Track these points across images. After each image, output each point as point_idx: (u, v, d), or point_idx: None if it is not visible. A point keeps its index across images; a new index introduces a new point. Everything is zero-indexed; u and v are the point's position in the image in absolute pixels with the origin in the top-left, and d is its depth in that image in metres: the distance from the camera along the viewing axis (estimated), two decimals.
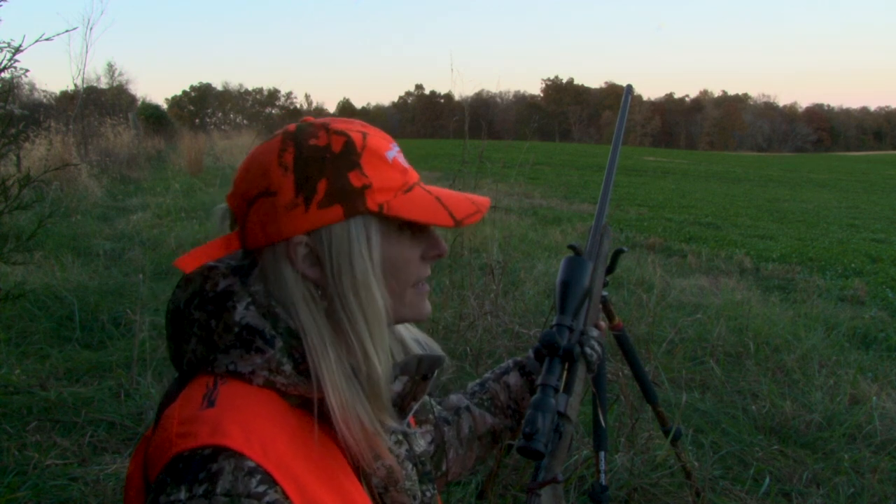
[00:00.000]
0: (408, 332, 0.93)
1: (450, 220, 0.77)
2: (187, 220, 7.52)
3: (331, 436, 0.76)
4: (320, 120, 0.80)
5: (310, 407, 0.75)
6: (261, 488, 0.64)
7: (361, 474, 0.79)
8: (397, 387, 0.80)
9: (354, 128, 0.80)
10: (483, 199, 0.85)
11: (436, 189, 0.83)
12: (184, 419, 0.69)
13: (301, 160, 0.75)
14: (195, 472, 0.64)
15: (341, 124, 0.79)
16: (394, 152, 0.80)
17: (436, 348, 0.92)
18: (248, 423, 0.68)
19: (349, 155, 0.76)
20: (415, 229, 0.80)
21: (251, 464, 0.65)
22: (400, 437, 0.84)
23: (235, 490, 0.63)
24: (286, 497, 0.65)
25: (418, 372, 0.81)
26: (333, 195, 0.75)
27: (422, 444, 0.89)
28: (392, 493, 0.81)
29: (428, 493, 0.88)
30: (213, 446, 0.65)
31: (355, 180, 0.75)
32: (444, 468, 1.09)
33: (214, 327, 0.74)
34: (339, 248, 0.75)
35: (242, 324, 0.73)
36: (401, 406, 0.83)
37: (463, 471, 1.14)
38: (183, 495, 0.63)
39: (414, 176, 0.82)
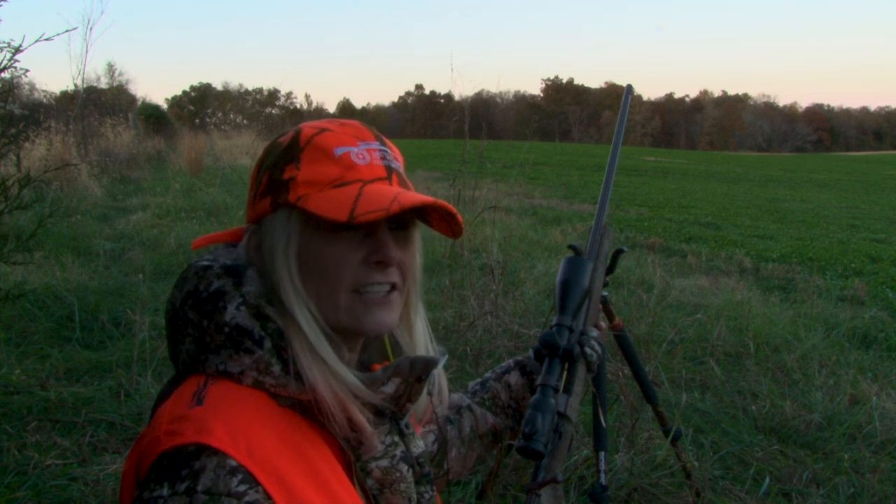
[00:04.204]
0: (421, 334, 0.92)
1: (342, 217, 0.72)
2: (187, 220, 7.52)
3: (322, 436, 0.76)
4: (325, 120, 0.83)
5: (300, 408, 0.75)
6: (241, 487, 0.65)
7: (355, 476, 0.79)
8: (389, 388, 0.80)
9: (321, 125, 0.81)
10: (432, 200, 0.77)
11: (391, 189, 0.77)
12: (173, 417, 0.70)
13: (264, 156, 0.81)
14: (178, 469, 0.65)
15: (315, 122, 0.82)
16: (356, 149, 0.79)
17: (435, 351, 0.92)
18: (234, 423, 0.68)
19: (292, 149, 0.79)
20: (359, 230, 0.77)
21: (233, 463, 0.65)
22: (396, 438, 0.84)
23: (216, 488, 0.64)
24: (268, 497, 0.66)
25: (411, 374, 0.81)
26: (268, 187, 0.79)
27: (421, 445, 0.88)
28: (387, 494, 0.81)
29: (426, 495, 0.87)
30: (198, 444, 0.66)
31: (287, 173, 0.77)
32: (445, 467, 1.09)
33: (206, 327, 0.75)
34: (269, 239, 0.78)
35: (232, 324, 0.74)
36: (396, 407, 0.82)
37: (464, 470, 1.14)
38: (165, 492, 0.64)
39: (370, 174, 0.78)
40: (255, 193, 0.81)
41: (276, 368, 0.73)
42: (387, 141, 0.84)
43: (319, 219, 0.74)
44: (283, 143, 0.80)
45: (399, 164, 0.84)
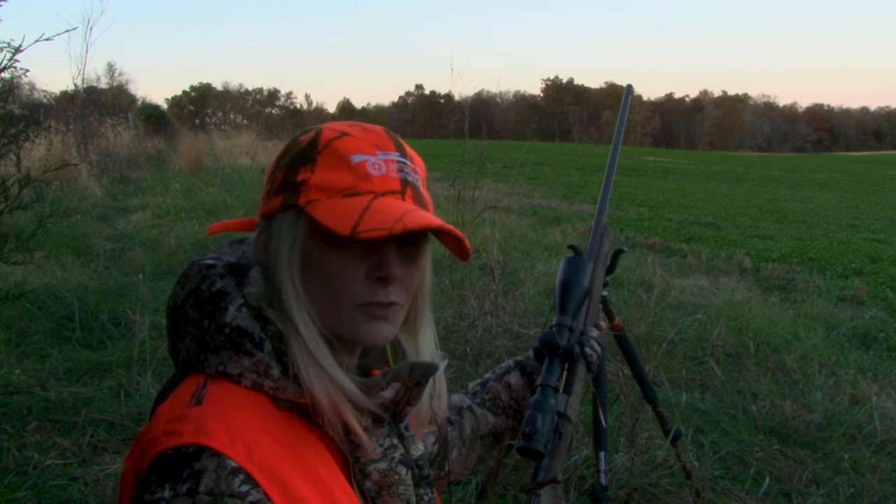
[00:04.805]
0: (426, 343, 0.91)
1: (345, 230, 0.70)
2: (187, 220, 7.52)
3: (321, 439, 0.76)
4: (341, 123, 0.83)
5: (299, 410, 0.75)
6: (244, 488, 0.64)
7: (353, 478, 0.79)
8: (389, 393, 0.80)
9: (343, 128, 0.80)
10: (439, 224, 0.75)
11: (401, 205, 0.76)
12: (171, 417, 0.70)
13: (284, 151, 0.80)
14: (179, 470, 0.64)
15: (338, 124, 0.81)
16: (374, 159, 0.77)
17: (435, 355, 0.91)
18: (233, 425, 0.68)
19: (310, 150, 0.78)
20: (366, 244, 0.76)
21: (233, 464, 0.65)
22: (395, 441, 0.83)
23: (219, 489, 0.63)
24: (268, 499, 0.66)
25: (411, 379, 0.80)
26: (281, 186, 0.78)
27: (420, 447, 0.88)
28: (385, 497, 0.81)
29: (426, 497, 0.87)
30: (197, 445, 0.66)
31: (302, 175, 0.76)
32: (446, 468, 1.09)
33: (207, 327, 0.74)
34: (276, 238, 0.77)
35: (233, 325, 0.73)
36: (395, 411, 0.82)
37: (465, 471, 1.14)
38: (167, 493, 0.63)
39: (383, 186, 0.77)
40: (270, 189, 0.80)
41: (276, 371, 0.73)
42: (408, 151, 0.82)
43: (324, 227, 0.73)
44: (302, 143, 0.79)
45: (418, 176, 0.82)
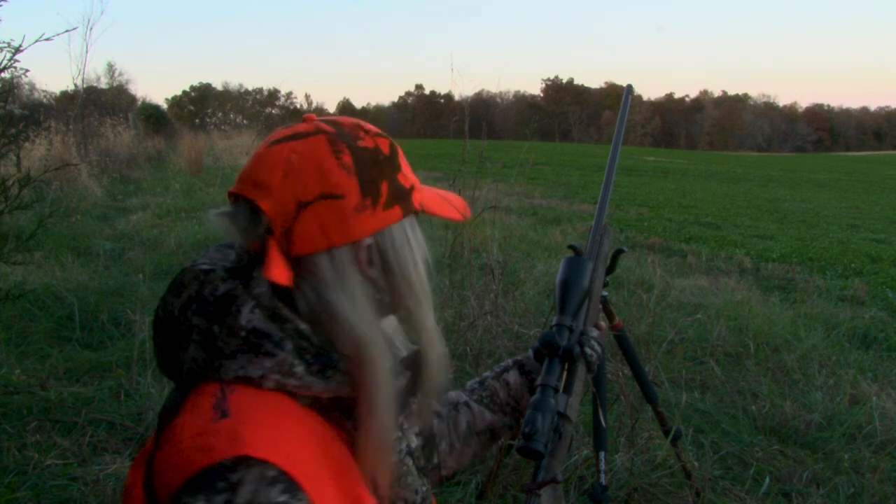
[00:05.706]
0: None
1: (458, 215, 0.84)
2: (187, 220, 7.52)
3: (341, 437, 0.76)
4: (347, 119, 0.81)
5: (319, 407, 0.75)
6: (283, 498, 0.63)
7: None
8: (401, 381, 0.81)
9: (371, 128, 0.82)
10: (452, 196, 0.89)
11: (426, 187, 0.88)
12: (197, 432, 0.67)
13: (360, 162, 0.75)
14: (214, 481, 0.63)
15: (368, 126, 0.82)
16: None
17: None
18: (270, 429, 0.67)
19: (395, 158, 0.80)
20: None
21: (274, 472, 0.64)
22: (399, 433, 0.84)
23: (256, 500, 0.62)
24: (311, 502, 0.65)
25: (418, 367, 0.82)
26: (393, 196, 0.78)
27: (414, 439, 0.90)
28: (395, 488, 0.82)
29: (423, 488, 0.88)
30: (235, 457, 0.64)
31: (404, 181, 0.80)
32: (435, 460, 1.09)
33: (217, 333, 0.72)
34: (402, 247, 0.78)
35: (249, 328, 0.72)
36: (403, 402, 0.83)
37: (459, 466, 1.15)
38: None
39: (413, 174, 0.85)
40: (377, 204, 0.76)
41: (300, 369, 0.72)
42: None
43: (439, 219, 0.83)
44: (377, 150, 0.78)
45: None
